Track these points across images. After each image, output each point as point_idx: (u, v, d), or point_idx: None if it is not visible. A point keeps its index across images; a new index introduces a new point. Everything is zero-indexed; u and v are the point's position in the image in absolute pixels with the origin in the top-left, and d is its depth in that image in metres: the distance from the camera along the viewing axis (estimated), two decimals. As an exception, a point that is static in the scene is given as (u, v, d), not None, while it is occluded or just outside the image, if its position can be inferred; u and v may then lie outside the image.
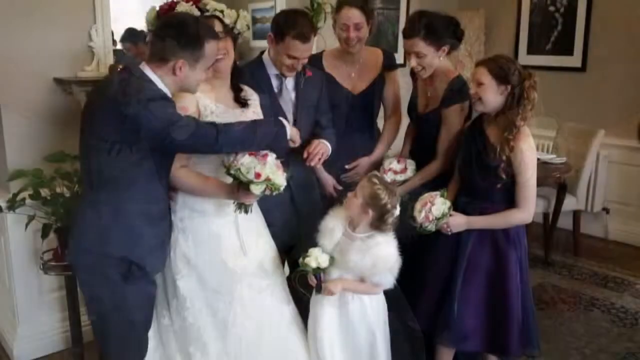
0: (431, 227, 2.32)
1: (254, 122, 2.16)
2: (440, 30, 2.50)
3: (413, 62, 2.55)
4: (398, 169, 2.67)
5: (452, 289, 2.38)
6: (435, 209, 2.29)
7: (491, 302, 2.38)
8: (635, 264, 4.26)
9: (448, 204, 2.33)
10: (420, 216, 2.30)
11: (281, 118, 2.23)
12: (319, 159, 2.48)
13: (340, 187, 2.76)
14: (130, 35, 3.82)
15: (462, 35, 2.60)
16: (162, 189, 2.10)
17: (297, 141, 2.26)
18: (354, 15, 2.65)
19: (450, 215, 2.33)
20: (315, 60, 2.81)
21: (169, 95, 2.02)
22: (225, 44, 2.23)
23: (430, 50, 2.51)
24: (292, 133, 2.22)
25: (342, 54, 2.80)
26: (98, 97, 1.98)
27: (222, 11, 2.41)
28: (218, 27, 2.23)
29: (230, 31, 2.32)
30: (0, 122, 2.78)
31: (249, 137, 2.05)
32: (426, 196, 2.34)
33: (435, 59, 2.55)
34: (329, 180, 2.81)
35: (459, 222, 2.35)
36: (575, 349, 3.12)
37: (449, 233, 2.36)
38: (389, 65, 2.90)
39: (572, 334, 3.26)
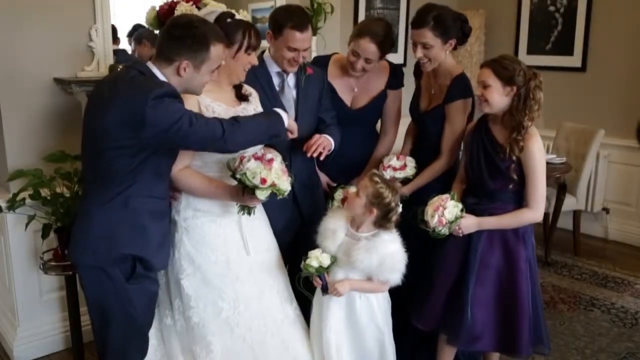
0: (445, 230, 2.31)
1: (254, 116, 2.15)
2: (449, 23, 2.52)
3: (419, 53, 2.56)
4: (397, 166, 2.66)
5: (463, 290, 2.37)
6: (447, 212, 2.28)
7: (502, 302, 2.38)
8: (635, 264, 4.27)
9: (460, 206, 2.32)
10: (433, 221, 2.29)
11: (277, 109, 2.22)
12: (320, 152, 2.47)
13: (334, 184, 2.75)
14: (137, 31, 3.83)
15: (469, 31, 2.62)
16: (165, 185, 2.11)
17: (295, 131, 2.25)
18: (370, 50, 2.60)
19: (462, 217, 2.33)
20: (322, 63, 2.81)
21: None
22: (255, 55, 2.28)
23: (437, 42, 2.52)
24: (289, 122, 2.22)
25: (347, 67, 2.76)
26: (104, 93, 1.97)
27: (229, 11, 2.41)
28: (253, 37, 2.24)
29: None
30: (0, 122, 2.78)
31: (254, 133, 2.06)
32: (436, 200, 2.32)
33: (441, 52, 2.56)
34: (322, 178, 2.81)
35: (470, 223, 2.35)
36: (575, 349, 3.12)
37: (461, 235, 2.36)
38: (395, 84, 2.84)
39: (572, 334, 3.27)
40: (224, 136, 1.96)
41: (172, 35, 1.98)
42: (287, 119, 2.20)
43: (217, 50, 2.01)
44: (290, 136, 2.26)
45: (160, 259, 2.13)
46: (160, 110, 1.86)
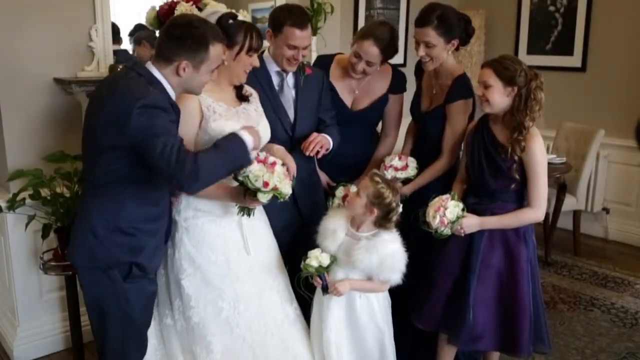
0: (447, 231, 2.31)
1: (217, 151, 1.97)
2: (453, 22, 2.53)
3: (421, 51, 2.56)
4: (399, 166, 2.66)
5: (465, 290, 2.38)
6: (449, 212, 2.29)
7: (503, 301, 2.39)
8: (635, 264, 4.27)
9: (461, 205, 2.33)
10: (435, 221, 2.30)
11: (239, 131, 2.07)
12: (317, 151, 2.48)
13: (333, 184, 2.75)
14: (137, 33, 3.83)
15: (472, 32, 2.63)
16: (159, 190, 2.08)
17: (258, 147, 2.17)
18: (372, 53, 2.60)
19: (464, 216, 2.33)
20: (324, 63, 2.81)
21: (173, 97, 2.00)
22: (256, 56, 2.27)
23: (440, 42, 2.52)
24: (254, 143, 2.08)
25: (348, 68, 2.74)
26: (104, 92, 1.97)
27: (231, 12, 2.42)
28: (255, 39, 2.23)
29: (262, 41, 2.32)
30: (0, 122, 2.78)
31: (214, 175, 1.96)
32: (437, 200, 2.33)
33: (443, 52, 2.56)
34: (321, 177, 2.81)
35: (472, 222, 2.35)
36: (575, 349, 3.12)
37: (463, 234, 2.36)
38: (397, 89, 2.84)
39: (572, 334, 3.27)
40: (183, 178, 1.87)
41: (172, 35, 1.97)
42: (251, 139, 2.06)
43: (216, 50, 2.00)
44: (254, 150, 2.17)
45: (154, 263, 2.12)
46: (142, 122, 1.83)
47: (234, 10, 2.39)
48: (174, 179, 1.89)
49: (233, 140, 2.04)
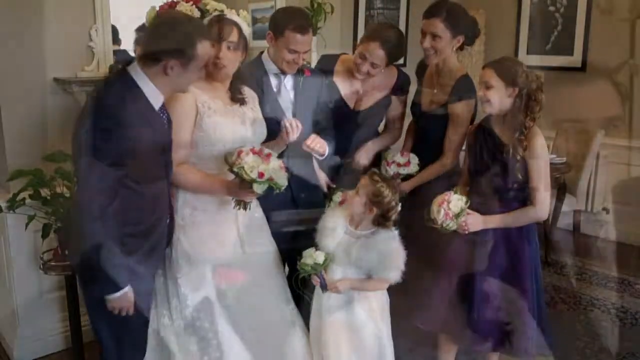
0: (452, 224, 2.32)
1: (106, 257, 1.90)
2: (461, 18, 2.56)
3: (427, 42, 2.58)
4: (402, 162, 2.67)
5: (470, 290, 2.38)
6: (453, 205, 2.30)
7: (506, 302, 2.39)
8: (635, 264, 4.27)
9: (464, 198, 2.34)
10: (439, 216, 2.30)
11: (128, 289, 1.97)
12: (314, 149, 2.47)
13: (333, 185, 2.75)
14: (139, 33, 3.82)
15: (478, 33, 2.66)
16: (146, 195, 2.01)
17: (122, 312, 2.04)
18: (378, 55, 2.60)
19: (467, 213, 2.34)
20: (328, 62, 2.81)
21: (157, 102, 1.98)
22: (235, 53, 2.24)
23: (446, 34, 2.54)
24: (115, 303, 1.98)
25: (353, 68, 2.75)
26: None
27: (222, 11, 2.41)
28: (234, 36, 2.22)
29: (245, 40, 2.30)
30: (0, 122, 2.78)
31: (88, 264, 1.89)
32: (440, 197, 2.34)
33: (448, 46, 2.58)
34: (322, 178, 2.81)
35: (476, 221, 2.36)
36: (575, 349, 3.12)
37: (467, 232, 2.36)
38: (401, 91, 2.84)
39: (572, 334, 3.27)
40: (81, 205, 1.85)
41: (158, 34, 1.95)
42: (117, 299, 1.97)
43: (203, 47, 1.96)
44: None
45: (149, 266, 2.09)
46: (89, 137, 1.81)
47: (233, 10, 2.37)
48: (81, 193, 1.85)
49: (121, 282, 1.96)
